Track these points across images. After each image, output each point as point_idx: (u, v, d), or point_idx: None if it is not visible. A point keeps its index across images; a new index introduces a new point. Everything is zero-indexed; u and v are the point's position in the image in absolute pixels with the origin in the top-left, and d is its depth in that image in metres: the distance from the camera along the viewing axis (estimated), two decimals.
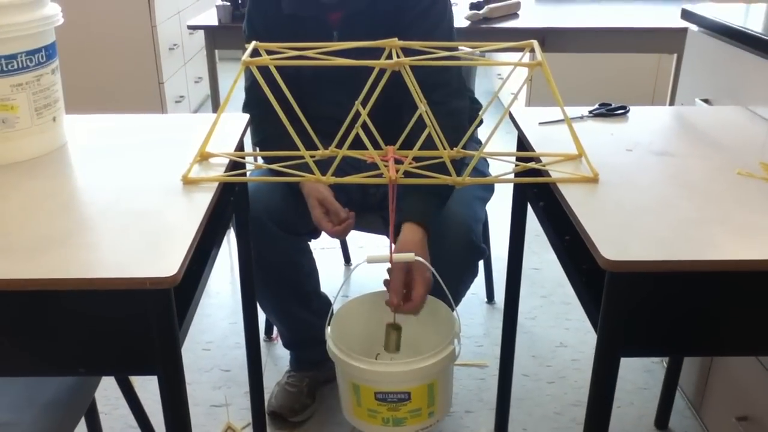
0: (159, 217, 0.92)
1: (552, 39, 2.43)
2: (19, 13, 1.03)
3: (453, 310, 1.32)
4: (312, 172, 1.04)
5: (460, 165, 1.29)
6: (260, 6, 1.49)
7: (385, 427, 1.27)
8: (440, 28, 1.44)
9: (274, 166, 1.14)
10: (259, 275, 1.48)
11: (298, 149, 1.04)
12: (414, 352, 1.37)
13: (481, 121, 1.20)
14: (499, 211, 2.04)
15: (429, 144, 1.06)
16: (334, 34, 1.45)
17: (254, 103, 1.49)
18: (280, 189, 1.54)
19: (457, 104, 1.43)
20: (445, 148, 1.05)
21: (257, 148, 1.52)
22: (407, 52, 1.05)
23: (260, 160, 1.48)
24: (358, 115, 1.01)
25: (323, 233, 1.52)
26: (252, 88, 1.54)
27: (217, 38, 2.48)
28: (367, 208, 1.65)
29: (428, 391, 1.25)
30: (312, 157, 1.04)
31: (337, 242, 2.36)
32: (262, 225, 1.48)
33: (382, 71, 0.98)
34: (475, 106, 1.74)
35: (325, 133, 1.20)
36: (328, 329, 1.31)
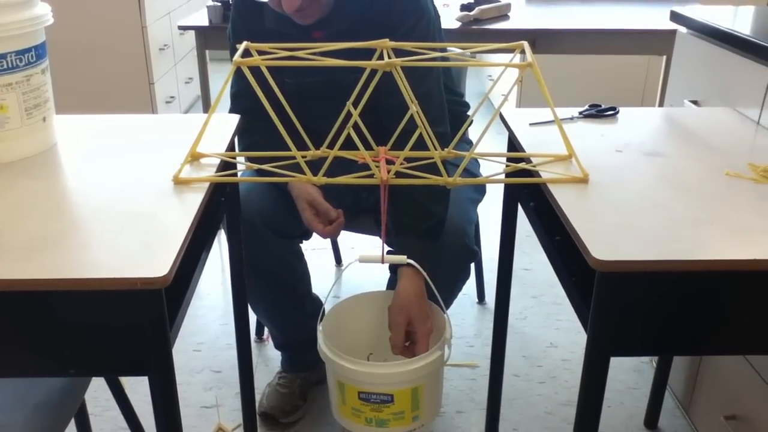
0: (150, 217, 0.92)
1: (542, 40, 2.44)
2: (8, 12, 1.03)
3: (444, 313, 1.32)
4: (303, 173, 1.05)
5: (451, 167, 1.29)
6: (244, 17, 1.48)
7: (368, 427, 1.28)
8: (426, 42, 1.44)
9: (264, 167, 1.14)
10: (251, 279, 1.48)
11: (285, 156, 1.04)
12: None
13: (471, 122, 1.20)
14: (489, 211, 2.05)
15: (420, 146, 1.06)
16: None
17: (238, 112, 1.49)
18: (271, 192, 1.54)
19: (434, 131, 1.44)
20: (436, 149, 1.05)
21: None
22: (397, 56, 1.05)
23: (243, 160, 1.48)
24: (348, 117, 1.01)
25: (315, 234, 1.52)
26: (237, 96, 1.54)
27: (208, 39, 2.48)
28: (360, 212, 1.65)
29: (412, 395, 1.25)
30: (303, 157, 1.04)
31: (328, 243, 2.36)
32: (254, 229, 1.48)
33: (371, 74, 0.98)
34: (464, 109, 1.74)
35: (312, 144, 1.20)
36: (320, 327, 1.32)
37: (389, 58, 1.01)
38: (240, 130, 1.30)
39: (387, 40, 1.05)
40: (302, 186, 1.45)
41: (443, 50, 1.54)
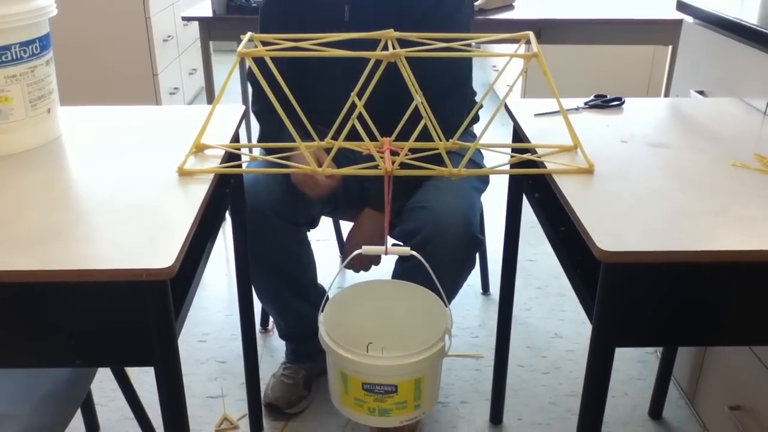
0: (155, 208, 0.92)
1: (548, 30, 2.43)
2: (12, 3, 1.03)
3: (447, 305, 1.33)
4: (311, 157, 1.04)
5: (455, 157, 1.29)
6: None
7: (371, 417, 1.28)
8: (454, 19, 1.43)
9: (270, 158, 1.14)
10: (257, 268, 1.48)
11: (296, 141, 1.04)
12: (406, 345, 1.37)
13: (478, 117, 1.20)
14: (494, 202, 2.05)
15: (426, 136, 1.06)
16: (345, 9, 1.46)
17: (257, 96, 1.49)
18: (278, 179, 1.54)
19: (457, 93, 1.46)
20: (441, 140, 1.05)
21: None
22: (408, 43, 1.05)
23: (255, 152, 1.48)
24: (354, 107, 1.01)
25: (320, 224, 1.52)
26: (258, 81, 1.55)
27: (212, 30, 2.47)
28: (364, 203, 1.65)
29: (415, 386, 1.26)
30: (308, 148, 1.04)
31: (333, 234, 2.36)
32: (262, 215, 1.48)
33: (378, 63, 0.98)
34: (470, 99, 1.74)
35: (327, 123, 1.20)
36: (321, 316, 1.32)
37: (394, 47, 1.01)
38: (261, 116, 1.30)
39: (391, 30, 1.04)
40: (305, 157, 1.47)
41: (468, 28, 1.53)
